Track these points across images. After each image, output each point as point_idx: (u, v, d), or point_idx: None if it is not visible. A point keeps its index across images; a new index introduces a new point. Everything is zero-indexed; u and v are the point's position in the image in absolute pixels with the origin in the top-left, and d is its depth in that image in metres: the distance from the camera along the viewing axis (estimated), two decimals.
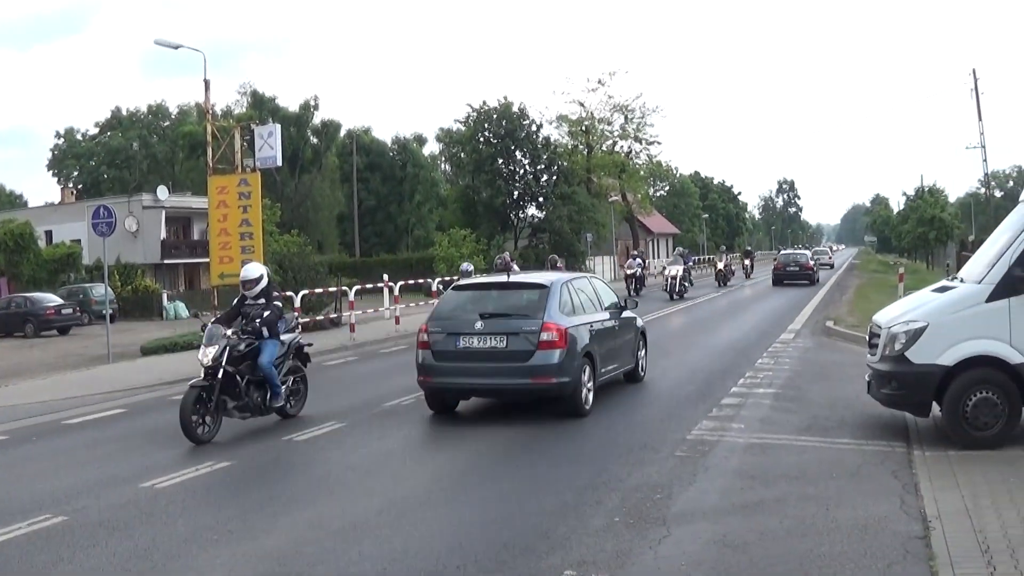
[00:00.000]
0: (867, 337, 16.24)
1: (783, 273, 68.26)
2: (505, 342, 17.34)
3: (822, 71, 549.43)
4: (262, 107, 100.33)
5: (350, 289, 38.59)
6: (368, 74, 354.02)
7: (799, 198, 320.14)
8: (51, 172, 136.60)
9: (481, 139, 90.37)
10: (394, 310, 40.29)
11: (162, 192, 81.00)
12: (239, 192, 36.55)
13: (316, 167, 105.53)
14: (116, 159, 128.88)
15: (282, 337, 18.18)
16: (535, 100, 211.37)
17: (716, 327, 33.33)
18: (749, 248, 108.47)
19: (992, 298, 13.63)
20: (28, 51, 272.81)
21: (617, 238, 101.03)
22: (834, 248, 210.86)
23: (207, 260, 42.61)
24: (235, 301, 18.35)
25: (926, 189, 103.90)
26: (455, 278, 27.59)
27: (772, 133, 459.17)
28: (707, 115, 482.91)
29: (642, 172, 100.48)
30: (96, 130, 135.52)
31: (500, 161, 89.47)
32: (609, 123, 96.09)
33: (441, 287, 40.65)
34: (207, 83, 37.73)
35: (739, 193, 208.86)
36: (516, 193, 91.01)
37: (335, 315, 40.67)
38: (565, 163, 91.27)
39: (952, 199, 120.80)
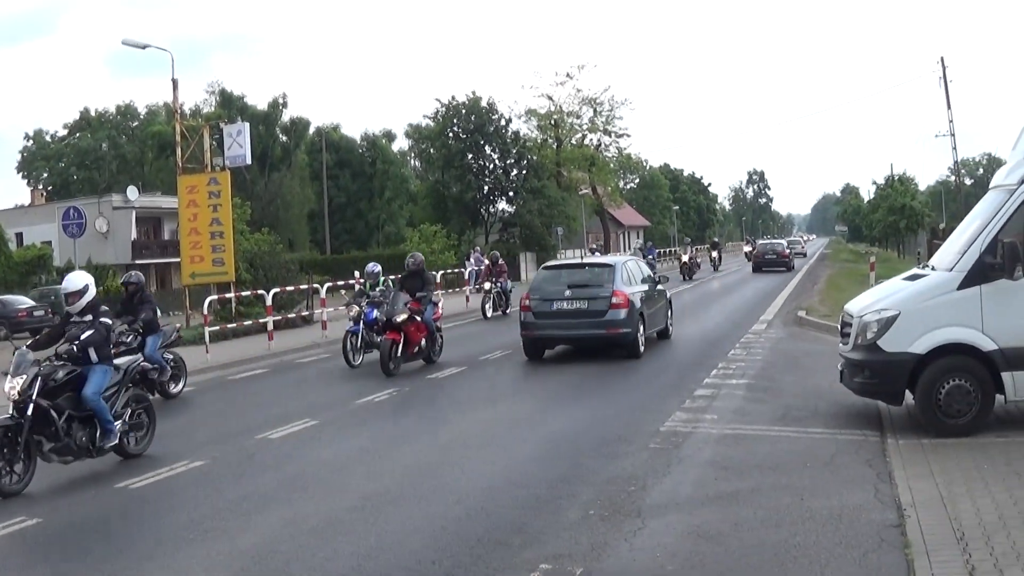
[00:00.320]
0: (839, 326, 16.24)
1: (762, 260, 74.81)
2: (587, 304, 24.47)
3: (790, 61, 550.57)
4: (231, 106, 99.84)
5: (321, 286, 38.49)
6: (337, 71, 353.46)
7: (769, 188, 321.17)
8: (20, 174, 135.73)
9: (450, 134, 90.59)
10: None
11: (132, 192, 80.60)
12: (209, 191, 36.52)
13: (286, 165, 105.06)
14: (85, 160, 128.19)
15: (117, 361, 15.54)
16: (504, 94, 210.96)
17: (684, 320, 33.21)
18: (716, 240, 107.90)
19: (963, 286, 13.67)
20: None
21: (588, 231, 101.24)
22: (806, 238, 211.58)
23: (178, 260, 42.41)
24: (59, 319, 16.00)
25: (896, 177, 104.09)
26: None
27: (741, 124, 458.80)
28: (676, 107, 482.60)
29: (612, 165, 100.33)
30: (65, 131, 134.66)
31: (469, 156, 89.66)
32: (578, 116, 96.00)
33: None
34: (175, 83, 37.71)
35: (709, 184, 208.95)
36: (486, 188, 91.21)
37: (306, 313, 40.53)
38: (535, 157, 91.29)
39: (922, 187, 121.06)
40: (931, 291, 14.08)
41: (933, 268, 15.03)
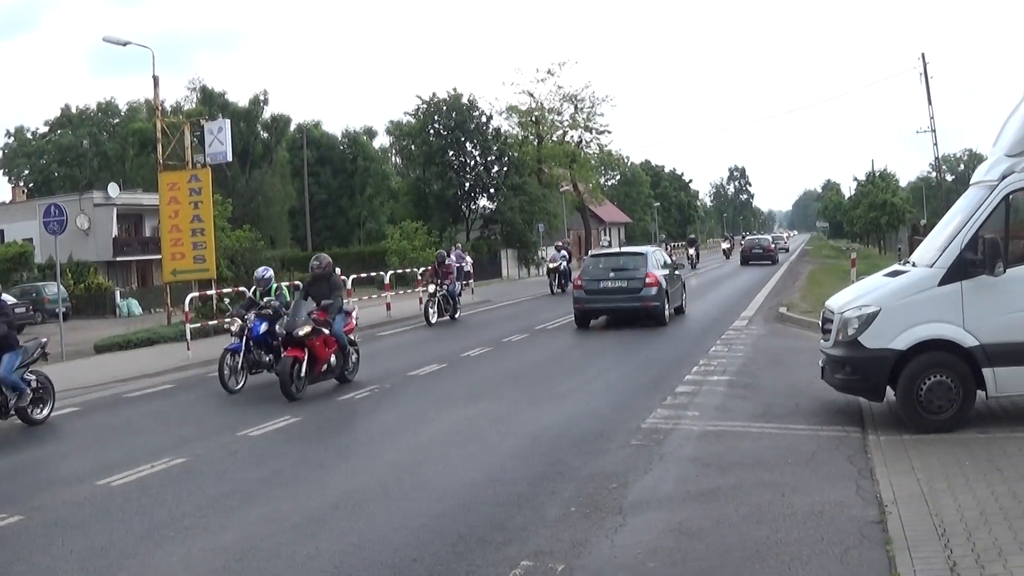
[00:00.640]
0: (820, 323, 16.27)
1: (749, 255, 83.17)
2: (626, 283, 31.73)
3: (772, 57, 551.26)
4: (212, 103, 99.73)
5: (302, 283, 38.42)
6: (317, 68, 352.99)
7: (750, 185, 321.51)
8: (1, 171, 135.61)
9: (431, 131, 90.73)
10: (347, 303, 40.13)
11: (113, 189, 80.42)
12: (190, 188, 36.49)
13: (267, 162, 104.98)
14: (66, 157, 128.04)
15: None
16: (485, 91, 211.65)
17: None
18: (693, 237, 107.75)
19: (944, 282, 13.70)
20: None
21: (569, 228, 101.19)
22: (788, 234, 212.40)
23: (159, 257, 42.41)
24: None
25: (877, 174, 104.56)
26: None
27: (722, 120, 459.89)
28: (657, 104, 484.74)
29: (593, 161, 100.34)
30: (46, 128, 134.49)
31: (450, 153, 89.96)
32: (559, 113, 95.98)
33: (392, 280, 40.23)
34: (156, 80, 37.62)
35: (690, 181, 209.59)
36: (467, 185, 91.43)
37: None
38: (516, 154, 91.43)
39: (903, 183, 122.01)
40: (912, 287, 14.09)
41: (914, 264, 15.05)
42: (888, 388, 14.27)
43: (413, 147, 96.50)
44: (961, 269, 13.61)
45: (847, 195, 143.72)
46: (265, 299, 23.34)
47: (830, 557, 8.94)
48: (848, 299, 15.14)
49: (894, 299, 14.09)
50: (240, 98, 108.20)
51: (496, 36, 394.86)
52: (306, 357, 20.22)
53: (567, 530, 10.16)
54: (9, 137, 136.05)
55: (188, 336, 29.30)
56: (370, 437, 16.51)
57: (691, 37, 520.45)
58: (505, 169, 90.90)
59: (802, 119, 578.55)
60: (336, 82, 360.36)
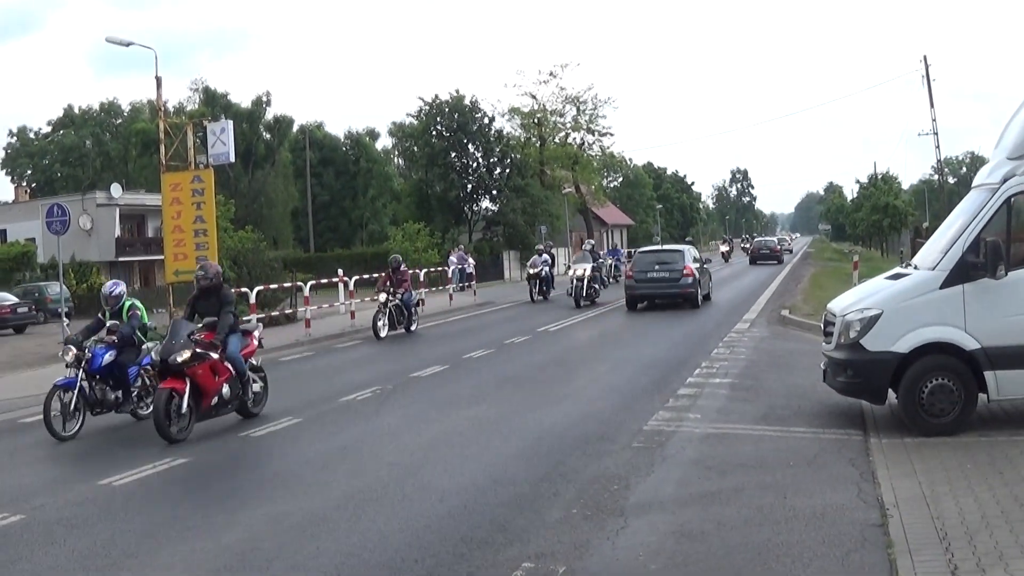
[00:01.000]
0: (822, 325, 16.28)
1: (757, 255, 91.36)
2: (668, 274, 38.48)
3: (774, 60, 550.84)
4: (214, 103, 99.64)
5: (305, 284, 38.41)
6: (320, 69, 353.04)
7: (753, 187, 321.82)
8: (4, 171, 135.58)
9: (433, 133, 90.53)
10: (349, 305, 40.06)
11: (116, 190, 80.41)
12: (192, 189, 36.38)
13: (269, 163, 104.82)
14: (69, 157, 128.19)
15: None
16: (487, 93, 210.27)
17: (668, 319, 33.46)
18: (690, 239, 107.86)
19: (946, 285, 13.71)
20: None
21: (571, 230, 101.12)
22: (791, 237, 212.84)
23: (162, 257, 42.25)
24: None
25: (879, 176, 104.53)
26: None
27: (725, 123, 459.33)
28: (660, 106, 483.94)
29: (595, 163, 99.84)
30: (49, 128, 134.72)
31: (453, 154, 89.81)
32: (561, 115, 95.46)
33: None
34: (159, 80, 37.50)
35: (693, 183, 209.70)
36: (469, 186, 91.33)
37: (290, 311, 40.51)
38: (518, 156, 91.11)
39: (905, 186, 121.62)
40: (914, 290, 14.11)
41: (916, 267, 15.06)
42: (890, 391, 14.28)
43: (416, 148, 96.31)
44: (963, 272, 13.62)
45: (849, 198, 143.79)
46: (111, 322, 18.69)
47: (832, 560, 8.96)
48: (850, 302, 15.16)
49: (896, 302, 14.10)
50: (243, 99, 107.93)
51: (499, 38, 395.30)
52: (187, 389, 16.35)
53: (569, 532, 10.17)
54: (12, 137, 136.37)
55: None
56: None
57: (694, 40, 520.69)
58: (507, 171, 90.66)
59: (804, 122, 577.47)
60: (339, 83, 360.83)
